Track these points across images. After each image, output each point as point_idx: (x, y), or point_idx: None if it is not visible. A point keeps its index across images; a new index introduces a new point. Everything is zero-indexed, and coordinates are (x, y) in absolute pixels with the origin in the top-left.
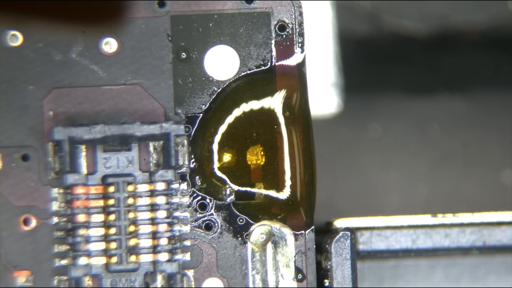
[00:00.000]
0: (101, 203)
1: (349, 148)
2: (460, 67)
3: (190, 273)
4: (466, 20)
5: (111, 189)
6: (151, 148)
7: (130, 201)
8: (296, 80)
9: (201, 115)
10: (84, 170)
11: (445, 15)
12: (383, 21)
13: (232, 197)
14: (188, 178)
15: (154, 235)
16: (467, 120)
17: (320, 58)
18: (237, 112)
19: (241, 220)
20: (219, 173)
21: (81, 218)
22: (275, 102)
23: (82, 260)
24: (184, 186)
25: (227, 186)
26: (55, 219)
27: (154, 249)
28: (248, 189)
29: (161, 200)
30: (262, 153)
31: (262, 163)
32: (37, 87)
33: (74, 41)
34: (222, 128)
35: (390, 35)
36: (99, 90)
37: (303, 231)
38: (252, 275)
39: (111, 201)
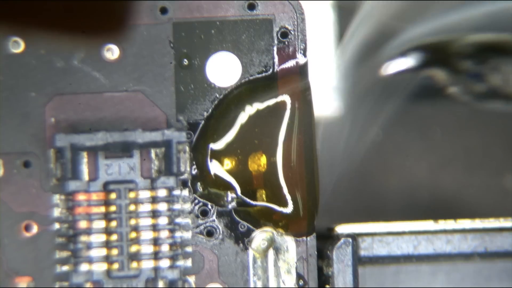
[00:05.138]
0: (102, 209)
1: (350, 152)
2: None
3: (192, 279)
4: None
5: (113, 195)
6: (153, 155)
7: (132, 207)
8: (298, 86)
9: (203, 121)
10: (85, 176)
11: (444, 16)
12: (383, 23)
13: (233, 203)
14: (189, 184)
15: (156, 242)
16: (469, 124)
17: (322, 62)
18: (239, 118)
19: (242, 227)
20: (220, 180)
21: (83, 224)
22: (277, 108)
23: (84, 267)
24: (185, 192)
25: (229, 192)
26: (57, 226)
27: (156, 255)
28: (250, 195)
29: (162, 206)
30: (264, 159)
31: (264, 170)
32: (39, 94)
33: (76, 48)
34: (224, 135)
35: (391, 37)
36: (101, 97)
37: (304, 237)
38: (253, 281)
39: (113, 208)
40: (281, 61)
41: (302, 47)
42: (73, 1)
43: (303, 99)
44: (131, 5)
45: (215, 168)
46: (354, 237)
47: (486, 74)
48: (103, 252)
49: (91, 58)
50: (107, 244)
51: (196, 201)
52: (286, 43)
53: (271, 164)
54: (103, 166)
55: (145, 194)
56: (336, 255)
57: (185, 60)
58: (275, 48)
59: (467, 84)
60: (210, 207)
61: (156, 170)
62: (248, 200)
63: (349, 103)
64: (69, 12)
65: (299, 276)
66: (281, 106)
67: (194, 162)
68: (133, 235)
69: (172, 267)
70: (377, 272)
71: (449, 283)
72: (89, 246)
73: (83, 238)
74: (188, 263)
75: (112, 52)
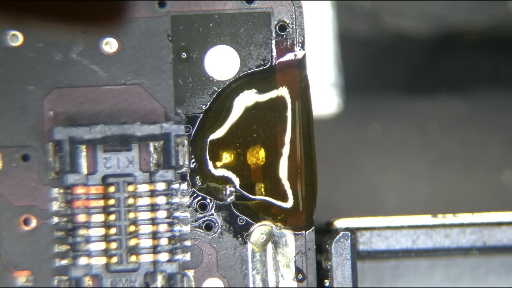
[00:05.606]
0: (101, 203)
1: (349, 148)
2: (460, 67)
3: (190, 273)
4: (466, 20)
5: (111, 189)
6: (152, 148)
7: (131, 201)
8: (296, 80)
9: (202, 115)
10: (84, 170)
11: (445, 15)
12: (383, 21)
13: (232, 197)
14: (188, 178)
15: (154, 235)
16: (467, 120)
17: (320, 58)
18: (237, 112)
19: (241, 220)
20: (219, 173)
21: (81, 218)
22: (275, 102)
23: (82, 260)
24: (184, 186)
25: (227, 186)
26: (55, 219)
27: (154, 249)
28: (249, 189)
29: (161, 200)
30: (262, 153)
31: (262, 163)
32: (37, 87)
33: (74, 41)
34: (223, 128)
35: (390, 35)
36: (100, 90)
37: (303, 231)
38: (252, 275)
39: (111, 201)
40: (279, 55)
41: (300, 40)
42: None
43: (302, 92)
44: None
45: (214, 161)
46: (353, 231)
47: None
48: (102, 245)
49: (89, 51)
50: (106, 238)
51: (195, 195)
52: (284, 36)
53: (270, 157)
54: (102, 160)
55: (143, 188)
56: (334, 249)
57: (184, 53)
58: (273, 42)
59: None
60: (208, 201)
61: (155, 164)
62: (246, 194)
63: (347, 97)
64: (68, 5)
65: (298, 270)
66: (279, 99)
67: (192, 156)
68: (131, 228)
69: (170, 261)
70: (375, 267)
71: (448, 277)
72: (87, 240)
73: (82, 231)
74: (187, 257)
75: (110, 45)
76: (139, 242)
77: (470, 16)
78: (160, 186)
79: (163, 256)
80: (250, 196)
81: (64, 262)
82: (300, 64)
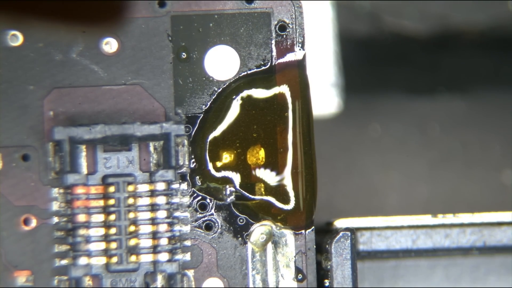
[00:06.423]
0: (101, 203)
1: (349, 148)
2: (460, 67)
3: (190, 273)
4: (466, 20)
5: (111, 189)
6: (151, 148)
7: (130, 201)
8: (296, 80)
9: (202, 115)
10: (84, 170)
11: (445, 15)
12: (383, 21)
13: (232, 197)
14: (188, 178)
15: (154, 235)
16: (467, 120)
17: (320, 58)
18: (237, 112)
19: (241, 220)
20: (219, 173)
21: (81, 218)
22: (275, 102)
23: (82, 260)
24: (184, 186)
25: (227, 186)
26: (55, 219)
27: (154, 249)
28: (249, 189)
29: (161, 200)
30: (262, 153)
31: (262, 163)
32: (37, 87)
33: (74, 41)
34: (223, 128)
35: (390, 35)
36: (100, 90)
37: (303, 231)
38: (252, 275)
39: (111, 201)
40: (279, 55)
41: (300, 40)
42: None
43: (302, 92)
44: None
45: (214, 161)
46: (353, 231)
47: None
48: (102, 245)
49: (89, 51)
50: (106, 238)
51: (195, 194)
52: (284, 36)
53: (270, 157)
54: (102, 160)
55: (143, 188)
56: (334, 249)
57: (183, 53)
58: (273, 42)
59: None
60: (208, 200)
61: (155, 164)
62: (246, 194)
63: (347, 97)
64: (68, 5)
65: (297, 270)
66: (279, 99)
67: (192, 156)
68: (131, 228)
69: (170, 260)
70: (375, 267)
71: (448, 277)
72: (87, 240)
73: (82, 231)
74: (187, 257)
75: (110, 45)
76: (139, 242)
77: (470, 16)
78: (160, 186)
79: (163, 256)
80: (250, 196)
81: (64, 262)
82: (300, 64)
